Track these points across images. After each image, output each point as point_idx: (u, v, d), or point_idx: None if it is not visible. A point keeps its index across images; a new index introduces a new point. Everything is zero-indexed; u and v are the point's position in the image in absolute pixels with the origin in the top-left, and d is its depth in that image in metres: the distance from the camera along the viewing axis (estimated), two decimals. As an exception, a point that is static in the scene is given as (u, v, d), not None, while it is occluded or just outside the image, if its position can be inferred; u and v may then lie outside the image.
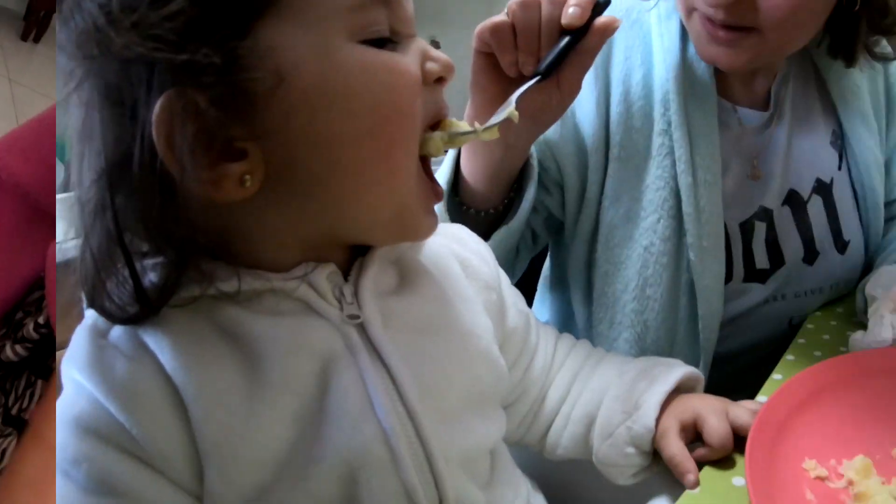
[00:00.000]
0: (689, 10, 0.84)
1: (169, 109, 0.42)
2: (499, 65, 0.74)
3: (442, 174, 0.86)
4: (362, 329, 0.53)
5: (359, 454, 0.50)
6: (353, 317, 0.53)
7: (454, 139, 0.56)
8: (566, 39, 0.70)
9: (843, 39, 0.91)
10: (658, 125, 0.89)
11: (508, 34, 0.71)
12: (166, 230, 0.45)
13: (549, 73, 0.71)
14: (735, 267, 0.93)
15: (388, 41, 0.49)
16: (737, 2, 0.76)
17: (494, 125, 0.59)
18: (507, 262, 0.73)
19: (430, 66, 0.52)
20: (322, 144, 0.47)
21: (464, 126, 0.57)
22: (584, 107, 0.91)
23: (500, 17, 0.71)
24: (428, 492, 0.53)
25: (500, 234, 0.84)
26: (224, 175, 0.45)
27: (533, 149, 0.86)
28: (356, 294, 0.54)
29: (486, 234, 0.82)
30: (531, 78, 0.71)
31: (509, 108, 0.63)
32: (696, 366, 0.90)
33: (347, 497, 0.51)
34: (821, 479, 0.58)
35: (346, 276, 0.55)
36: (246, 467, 0.48)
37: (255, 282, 0.50)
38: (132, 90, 0.43)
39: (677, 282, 0.91)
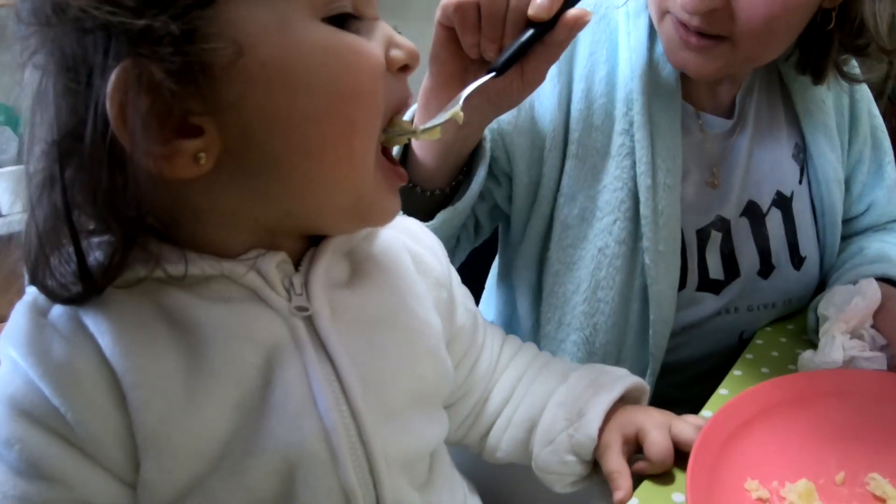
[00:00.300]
0: (663, 13, 0.83)
1: (124, 80, 0.41)
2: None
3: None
4: (310, 322, 0.52)
5: (297, 451, 0.50)
6: (301, 308, 0.52)
7: (391, 138, 0.54)
8: (529, 32, 0.67)
9: (814, 56, 0.90)
10: (619, 124, 0.88)
11: (472, 14, 0.68)
12: (115, 207, 0.44)
13: (504, 70, 0.68)
14: (689, 275, 0.92)
15: (350, 17, 0.48)
16: (714, 10, 0.75)
17: (436, 126, 0.56)
18: (446, 248, 0.71)
19: (395, 53, 0.50)
20: (279, 122, 0.46)
21: (405, 126, 0.55)
22: (545, 101, 0.89)
23: None
24: (366, 494, 0.53)
25: (445, 214, 0.81)
26: (178, 151, 0.44)
27: (486, 133, 0.84)
28: (306, 285, 0.53)
29: (430, 215, 0.80)
30: (487, 72, 0.68)
31: (454, 109, 0.61)
32: (644, 373, 0.90)
33: (284, 493, 0.50)
34: (762, 500, 0.58)
35: (296, 266, 0.54)
36: (183, 457, 0.47)
37: (203, 265, 0.49)
38: (88, 59, 0.42)
39: (630, 286, 0.89)
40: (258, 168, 0.47)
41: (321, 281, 0.53)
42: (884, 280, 0.87)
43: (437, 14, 0.70)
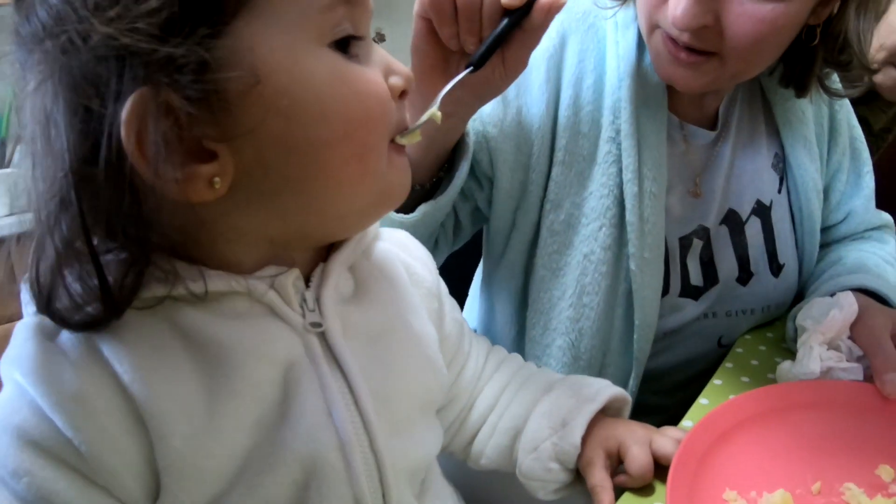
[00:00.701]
0: (652, 28, 0.84)
1: (140, 107, 0.41)
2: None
3: None
4: (322, 337, 0.54)
5: (315, 461, 0.51)
6: (315, 325, 0.54)
7: None
8: (504, 22, 0.69)
9: (798, 70, 0.92)
10: (606, 132, 0.89)
11: (449, 7, 0.69)
12: (130, 229, 0.45)
13: (482, 63, 0.70)
14: (672, 281, 0.94)
15: (352, 39, 0.49)
16: (704, 27, 0.77)
17: (415, 129, 0.58)
18: (426, 246, 0.73)
19: (394, 80, 0.52)
20: (295, 148, 0.47)
21: None
22: (532, 108, 0.90)
23: None
24: (375, 501, 0.55)
25: (426, 208, 0.82)
26: (193, 176, 0.44)
27: (469, 129, 0.85)
28: (318, 301, 0.55)
29: (410, 210, 0.81)
30: (465, 66, 0.70)
31: (432, 110, 0.62)
32: (628, 377, 0.92)
33: (297, 502, 0.52)
34: (740, 511, 0.59)
35: (306, 281, 0.55)
36: (206, 478, 0.48)
37: (223, 282, 0.49)
38: (101, 85, 0.42)
39: (615, 291, 0.91)
40: (274, 190, 0.48)
41: (332, 297, 0.55)
42: (861, 291, 0.90)
43: (416, 6, 0.71)
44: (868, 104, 1.44)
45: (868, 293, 0.90)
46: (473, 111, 0.81)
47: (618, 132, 0.89)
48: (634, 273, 0.89)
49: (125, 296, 0.46)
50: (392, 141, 0.53)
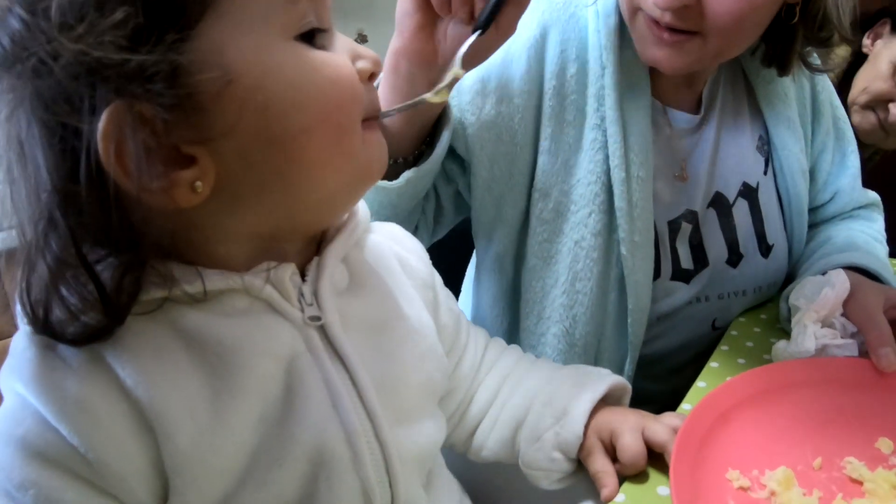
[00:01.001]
0: (634, 11, 0.85)
1: (116, 120, 0.42)
2: None
3: None
4: (322, 330, 0.55)
5: (322, 453, 0.52)
6: (314, 318, 0.54)
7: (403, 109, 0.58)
8: None
9: (779, 49, 0.94)
10: (591, 119, 0.90)
11: None
12: (121, 238, 0.45)
13: (488, 26, 0.71)
14: (663, 265, 0.95)
15: (317, 31, 0.50)
16: (685, 7, 0.78)
17: (443, 88, 0.58)
18: (407, 228, 0.74)
19: (362, 64, 0.53)
20: (274, 140, 0.47)
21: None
22: (515, 100, 0.91)
23: None
24: (383, 492, 0.56)
25: (410, 174, 0.82)
26: (175, 182, 0.45)
27: (452, 95, 0.86)
28: (315, 294, 0.55)
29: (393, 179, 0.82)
30: (473, 30, 0.71)
31: (455, 69, 0.64)
32: (623, 363, 0.94)
33: (307, 495, 0.53)
34: (743, 489, 0.61)
35: (302, 276, 0.56)
36: (215, 476, 0.49)
37: (220, 281, 0.50)
38: (76, 103, 0.42)
39: (607, 276, 0.92)
40: (258, 184, 0.49)
41: (329, 290, 0.56)
42: (852, 268, 0.91)
43: None
44: None
45: (859, 270, 0.91)
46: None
47: (603, 119, 0.89)
48: (625, 257, 0.90)
49: (125, 302, 0.46)
50: (365, 120, 0.54)
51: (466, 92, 0.90)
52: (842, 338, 0.80)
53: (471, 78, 0.90)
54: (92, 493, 0.46)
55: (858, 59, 1.52)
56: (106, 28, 0.41)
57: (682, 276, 0.97)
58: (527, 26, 0.91)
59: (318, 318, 0.54)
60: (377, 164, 0.56)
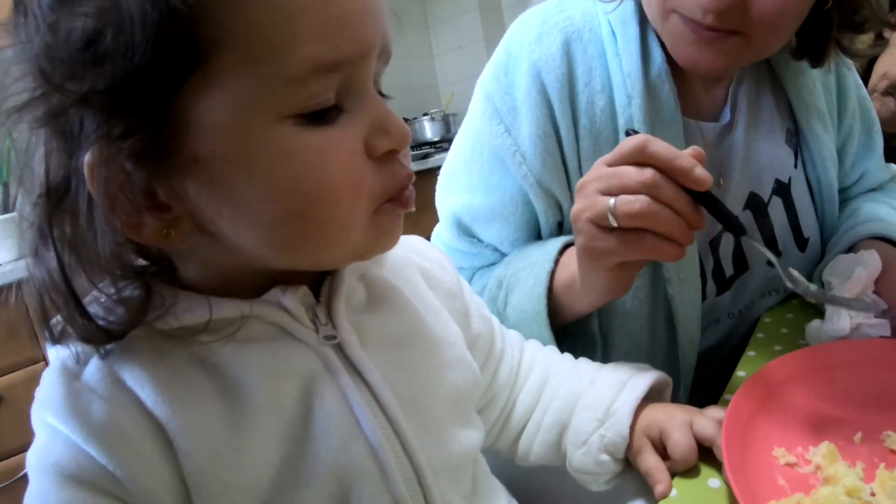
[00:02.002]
0: (668, 13, 0.83)
1: (98, 159, 0.44)
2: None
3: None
4: (339, 348, 0.57)
5: (349, 471, 0.53)
6: (329, 337, 0.56)
7: None
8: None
9: (813, 39, 0.93)
10: None
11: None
12: (112, 259, 0.47)
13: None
14: (708, 286, 0.97)
15: (332, 109, 0.48)
16: (730, 7, 0.77)
17: None
18: None
19: (380, 141, 0.50)
20: (245, 223, 0.48)
21: None
22: (556, 149, 0.92)
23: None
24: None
25: None
26: (146, 223, 0.47)
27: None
28: (329, 314, 0.57)
29: None
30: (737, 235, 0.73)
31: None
32: (678, 388, 0.94)
33: None
34: (790, 465, 0.63)
35: (316, 295, 0.58)
36: (236, 494, 0.50)
37: (228, 309, 0.52)
38: (72, 129, 0.45)
39: (654, 312, 0.94)
40: (235, 245, 0.50)
41: (344, 308, 0.58)
42: (877, 238, 0.94)
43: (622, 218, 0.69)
44: None
45: (884, 240, 0.94)
46: None
47: None
48: (672, 296, 0.90)
49: (121, 329, 0.49)
50: (388, 201, 0.52)
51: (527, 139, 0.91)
52: (875, 316, 0.82)
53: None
54: None
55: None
56: (90, 81, 0.42)
57: (724, 286, 0.99)
58: (549, 55, 0.89)
59: (334, 337, 0.56)
60: (378, 250, 0.55)
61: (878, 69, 1.51)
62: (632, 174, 0.67)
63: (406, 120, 2.75)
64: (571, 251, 0.84)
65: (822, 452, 0.63)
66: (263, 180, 0.46)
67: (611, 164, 0.70)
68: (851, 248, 0.97)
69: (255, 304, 0.53)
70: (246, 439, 0.50)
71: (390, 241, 0.55)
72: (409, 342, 0.62)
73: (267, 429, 0.51)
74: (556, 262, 0.87)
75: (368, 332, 0.59)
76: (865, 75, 1.25)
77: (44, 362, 1.72)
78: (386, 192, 0.52)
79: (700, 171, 0.66)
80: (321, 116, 0.47)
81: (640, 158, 0.68)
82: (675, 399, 0.77)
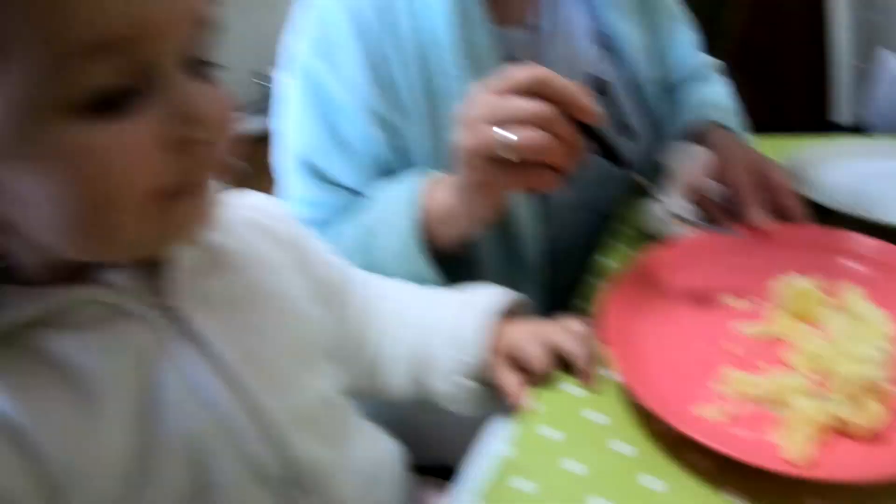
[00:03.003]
0: None
1: None
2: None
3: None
4: (176, 317, 0.56)
5: (202, 438, 0.54)
6: (165, 308, 0.55)
7: None
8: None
9: None
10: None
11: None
12: None
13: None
14: None
15: (128, 95, 0.45)
16: None
17: None
18: None
19: (179, 130, 0.47)
20: (42, 227, 0.47)
21: None
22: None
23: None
24: (277, 459, 0.57)
25: None
26: None
27: None
28: (167, 283, 0.56)
29: None
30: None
31: None
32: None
33: (200, 486, 0.54)
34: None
35: (150, 267, 0.56)
36: (97, 482, 0.49)
37: (54, 298, 0.50)
38: None
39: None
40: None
41: (181, 276, 0.57)
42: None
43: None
44: None
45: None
46: None
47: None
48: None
49: None
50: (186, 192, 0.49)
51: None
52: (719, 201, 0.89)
53: None
54: None
55: None
56: None
57: None
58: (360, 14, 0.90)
59: (170, 308, 0.55)
60: (176, 242, 0.54)
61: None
62: (525, 106, 0.68)
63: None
64: (433, 183, 0.84)
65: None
66: (47, 181, 0.44)
67: (498, 94, 0.70)
68: (689, 137, 1.02)
69: (86, 289, 0.52)
70: (96, 425, 0.49)
71: (189, 232, 0.54)
72: (252, 301, 0.62)
73: (114, 411, 0.50)
74: (421, 196, 0.86)
75: (211, 295, 0.58)
76: None
77: None
78: (181, 186, 0.49)
79: (595, 107, 0.68)
80: (113, 105, 0.44)
81: (535, 90, 0.68)
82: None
